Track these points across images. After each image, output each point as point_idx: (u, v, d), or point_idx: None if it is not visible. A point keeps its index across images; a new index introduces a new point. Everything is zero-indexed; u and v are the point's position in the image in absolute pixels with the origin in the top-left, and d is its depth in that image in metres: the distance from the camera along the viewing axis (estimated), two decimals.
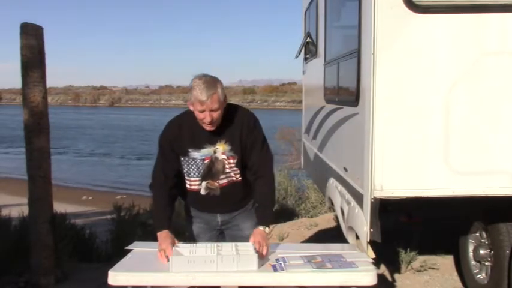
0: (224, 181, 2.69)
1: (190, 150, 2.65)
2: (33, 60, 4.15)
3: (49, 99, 4.65)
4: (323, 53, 4.61)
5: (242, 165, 2.70)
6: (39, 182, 4.25)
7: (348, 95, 3.55)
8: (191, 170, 2.69)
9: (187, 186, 2.75)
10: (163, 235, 2.61)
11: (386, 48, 2.82)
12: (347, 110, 3.49)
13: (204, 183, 2.69)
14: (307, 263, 2.45)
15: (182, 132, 2.67)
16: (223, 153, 2.64)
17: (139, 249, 2.76)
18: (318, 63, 4.92)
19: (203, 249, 2.55)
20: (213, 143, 2.63)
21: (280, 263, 2.45)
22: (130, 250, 2.74)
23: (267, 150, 2.74)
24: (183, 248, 2.58)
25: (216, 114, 2.52)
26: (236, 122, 2.65)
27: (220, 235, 2.88)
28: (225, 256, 2.43)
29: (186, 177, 2.73)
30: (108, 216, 6.03)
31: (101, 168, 21.69)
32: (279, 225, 6.48)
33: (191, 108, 2.58)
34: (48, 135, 4.32)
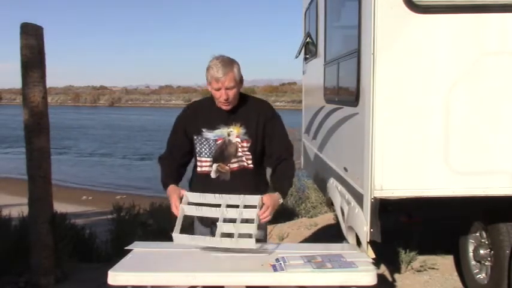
0: (235, 165, 2.69)
1: (203, 130, 2.69)
2: (33, 60, 4.15)
3: (49, 99, 4.65)
4: (323, 53, 4.61)
5: (255, 152, 2.70)
6: (39, 182, 4.25)
7: (348, 95, 3.54)
8: (203, 149, 2.70)
9: (198, 169, 2.75)
10: (170, 190, 2.65)
11: (387, 48, 2.82)
12: (347, 110, 3.49)
13: (214, 166, 2.69)
14: (307, 263, 2.45)
15: (197, 112, 2.75)
16: (237, 136, 2.66)
17: (139, 249, 2.76)
18: (318, 63, 4.92)
19: (209, 210, 2.60)
20: (227, 124, 2.67)
21: (280, 263, 2.45)
22: (130, 250, 2.74)
23: (287, 138, 2.82)
24: (191, 199, 2.62)
25: (231, 93, 2.60)
26: (254, 109, 2.73)
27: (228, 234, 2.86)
28: (224, 239, 2.47)
29: (198, 158, 2.74)
30: (108, 216, 6.04)
31: (103, 169, 21.63)
32: (279, 225, 6.49)
33: (209, 88, 2.66)
34: (48, 135, 4.32)
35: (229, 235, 2.53)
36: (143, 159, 23.83)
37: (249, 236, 2.48)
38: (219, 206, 2.62)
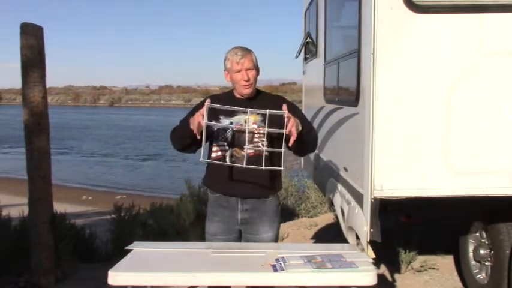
0: (251, 151, 2.68)
1: (221, 117, 2.71)
2: (33, 60, 4.15)
3: (49, 99, 4.65)
4: (323, 53, 4.61)
5: (271, 140, 2.68)
6: (39, 182, 4.25)
7: (348, 95, 3.55)
8: (219, 134, 2.73)
9: (213, 154, 2.75)
10: (191, 117, 2.60)
11: (386, 48, 2.82)
12: (347, 110, 3.49)
13: (230, 151, 2.70)
14: (307, 263, 2.45)
15: (216, 101, 2.74)
16: (254, 123, 2.68)
17: (139, 249, 2.76)
18: (318, 63, 4.92)
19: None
20: (245, 111, 2.67)
21: (280, 263, 2.45)
22: (130, 250, 2.74)
23: (308, 120, 2.88)
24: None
25: (251, 74, 2.70)
26: (271, 99, 2.82)
27: (239, 239, 2.87)
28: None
29: (214, 143, 2.75)
30: (108, 216, 6.03)
31: (104, 169, 21.51)
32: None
33: (227, 78, 2.78)
34: (48, 135, 4.32)
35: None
36: (145, 160, 23.74)
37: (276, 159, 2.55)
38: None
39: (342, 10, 4.15)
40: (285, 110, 2.50)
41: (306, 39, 5.44)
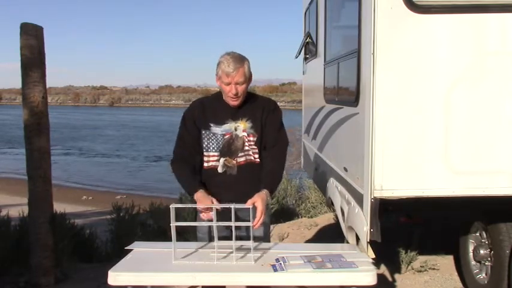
0: (242, 159, 2.71)
1: (211, 124, 2.73)
2: (33, 60, 4.16)
3: (49, 99, 4.65)
4: (323, 53, 4.61)
5: (261, 146, 2.72)
6: (39, 182, 4.25)
7: (348, 95, 3.55)
8: (210, 144, 2.73)
9: (205, 164, 2.75)
10: (200, 194, 2.58)
11: (386, 48, 2.82)
12: (347, 110, 3.49)
13: (221, 160, 2.71)
14: (307, 263, 2.45)
15: (205, 107, 2.79)
16: (244, 131, 2.70)
17: (139, 249, 2.76)
18: (318, 63, 4.91)
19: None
20: (235, 119, 2.72)
21: (280, 263, 2.45)
22: (130, 250, 2.74)
23: (282, 133, 2.83)
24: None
25: (240, 88, 2.65)
26: (259, 104, 2.79)
27: (229, 237, 2.86)
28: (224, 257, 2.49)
29: (205, 153, 2.75)
30: (108, 216, 6.04)
31: (105, 169, 21.45)
32: (279, 225, 6.49)
33: (218, 83, 2.71)
34: (48, 135, 4.32)
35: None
36: (156, 161, 23.55)
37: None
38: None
39: (342, 10, 4.14)
40: (249, 205, 2.49)
41: (306, 39, 5.44)
